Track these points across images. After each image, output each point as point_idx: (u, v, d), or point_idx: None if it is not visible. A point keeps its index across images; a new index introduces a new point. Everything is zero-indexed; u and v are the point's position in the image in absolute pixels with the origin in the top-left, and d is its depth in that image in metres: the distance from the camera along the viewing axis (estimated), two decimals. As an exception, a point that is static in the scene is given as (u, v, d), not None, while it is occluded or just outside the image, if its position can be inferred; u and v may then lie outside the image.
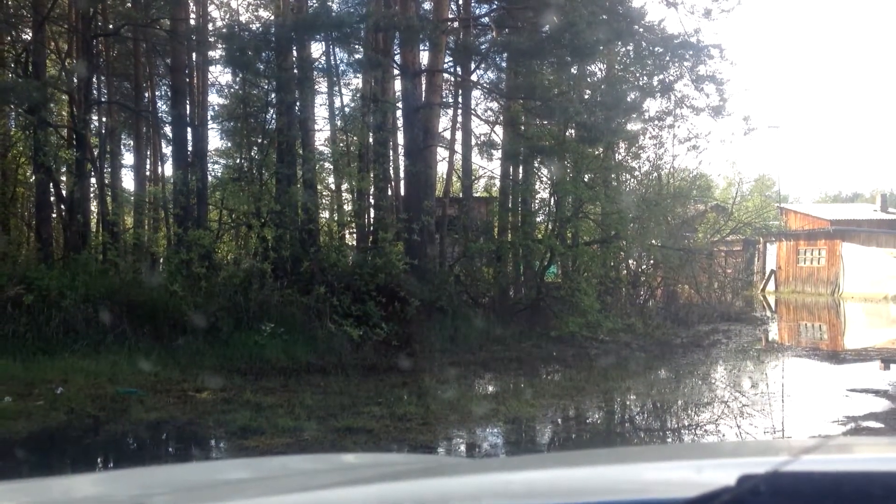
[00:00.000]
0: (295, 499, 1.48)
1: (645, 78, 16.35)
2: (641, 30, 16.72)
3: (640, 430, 8.67)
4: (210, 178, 16.72)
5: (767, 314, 24.50)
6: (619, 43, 15.91)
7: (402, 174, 16.87)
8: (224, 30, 16.06)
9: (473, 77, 17.47)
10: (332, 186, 20.42)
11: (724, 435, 7.75)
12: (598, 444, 7.63)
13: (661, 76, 16.30)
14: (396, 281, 13.70)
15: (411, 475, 1.71)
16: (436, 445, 7.19)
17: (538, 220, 18.38)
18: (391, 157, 17.94)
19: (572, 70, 14.22)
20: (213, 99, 21.15)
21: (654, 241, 18.27)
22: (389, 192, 17.31)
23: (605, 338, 14.55)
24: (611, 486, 1.26)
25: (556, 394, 9.49)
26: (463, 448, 7.44)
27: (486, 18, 15.74)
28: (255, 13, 21.17)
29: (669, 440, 7.93)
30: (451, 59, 17.04)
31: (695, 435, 7.99)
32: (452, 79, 17.40)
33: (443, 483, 1.50)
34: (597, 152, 16.58)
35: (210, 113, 20.07)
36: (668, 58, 15.92)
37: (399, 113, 16.17)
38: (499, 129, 19.26)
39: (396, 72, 15.65)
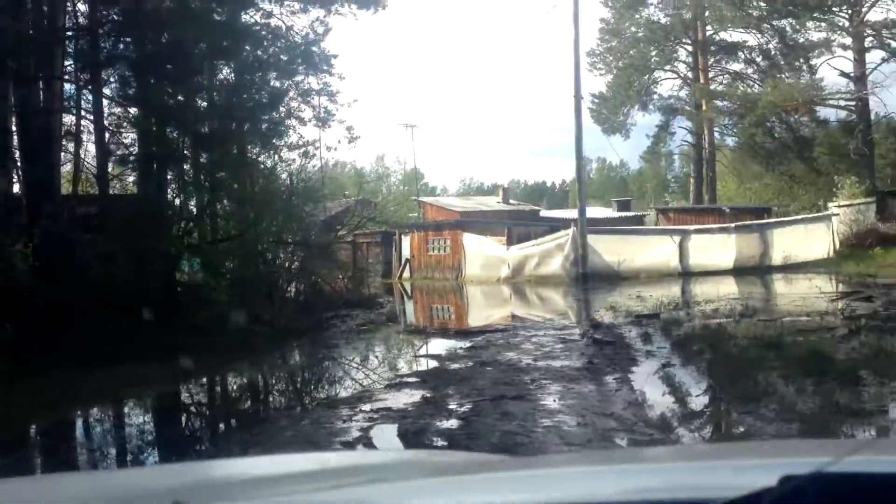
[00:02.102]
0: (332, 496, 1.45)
1: (257, 89, 17.79)
2: (270, 36, 18.13)
3: (233, 401, 10.18)
4: None
5: (391, 299, 27.15)
6: (246, 52, 17.17)
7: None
8: None
9: (99, 83, 17.81)
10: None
11: (300, 395, 9.46)
12: (192, 414, 8.98)
13: (270, 88, 17.83)
14: (20, 283, 13.93)
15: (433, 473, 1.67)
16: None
17: (179, 219, 19.13)
18: (18, 161, 17.75)
19: (190, 81, 15.23)
20: None
21: (284, 237, 19.81)
22: (16, 194, 17.18)
23: (234, 328, 15.78)
24: (648, 486, 1.25)
25: (166, 378, 10.71)
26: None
27: (103, 30, 16.23)
28: None
29: (258, 404, 9.49)
30: (74, 65, 17.28)
31: (272, 397, 9.63)
32: (75, 84, 17.62)
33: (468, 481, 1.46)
34: (227, 154, 17.72)
35: None
36: (274, 73, 17.51)
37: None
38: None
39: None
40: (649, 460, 1.68)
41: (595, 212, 50.23)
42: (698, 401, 7.72)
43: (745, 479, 1.07)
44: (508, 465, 1.89)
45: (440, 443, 6.24)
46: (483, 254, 34.12)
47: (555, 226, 35.17)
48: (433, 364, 10.80)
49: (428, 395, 8.31)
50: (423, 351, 12.49)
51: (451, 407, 7.61)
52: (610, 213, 50.79)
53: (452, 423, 6.92)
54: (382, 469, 1.88)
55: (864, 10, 42.14)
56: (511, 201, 52.13)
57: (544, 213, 49.99)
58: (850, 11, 42.58)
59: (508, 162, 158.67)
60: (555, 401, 7.73)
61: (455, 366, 10.33)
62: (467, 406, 7.54)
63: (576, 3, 28.12)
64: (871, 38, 42.81)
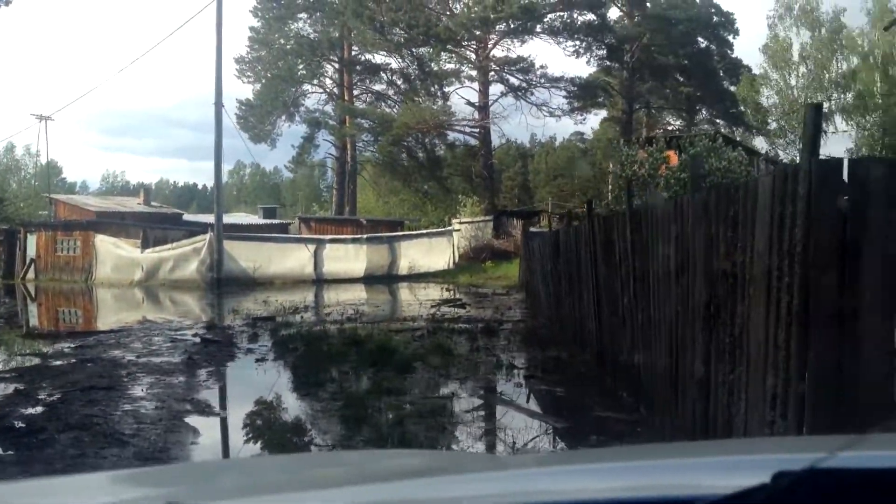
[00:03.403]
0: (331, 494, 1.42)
1: None
2: None
3: None
4: None
5: (8, 300, 25.82)
6: None
7: None
8: None
9: None
10: None
11: None
12: None
13: None
14: None
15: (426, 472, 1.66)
16: None
17: None
18: None
19: None
20: None
21: None
22: None
23: None
24: (640, 484, 1.24)
25: None
26: None
27: None
28: None
29: None
30: None
31: None
32: None
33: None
34: None
35: None
36: None
37: None
38: None
39: None
40: (642, 458, 1.61)
41: (240, 218, 50.69)
42: (272, 387, 8.80)
43: (738, 475, 1.08)
44: (504, 464, 1.87)
45: (20, 425, 6.75)
46: (116, 256, 33.34)
47: (194, 230, 35.26)
48: (35, 361, 10.97)
49: (21, 387, 8.64)
50: (28, 350, 12.51)
51: (40, 396, 8.06)
52: (256, 219, 51.49)
53: (38, 409, 7.43)
54: (379, 468, 1.87)
55: (489, 46, 46.93)
56: (153, 203, 50.96)
57: (188, 216, 49.44)
58: (476, 47, 47.20)
59: (161, 161, 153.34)
60: (143, 390, 8.46)
61: (57, 362, 10.61)
62: (57, 395, 8.04)
63: (219, 13, 28.58)
64: (493, 73, 47.79)
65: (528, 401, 8.00)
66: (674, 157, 17.36)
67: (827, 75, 47.73)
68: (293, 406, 7.79)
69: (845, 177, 3.69)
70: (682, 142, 15.73)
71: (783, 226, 3.97)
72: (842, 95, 47.60)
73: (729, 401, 4.78)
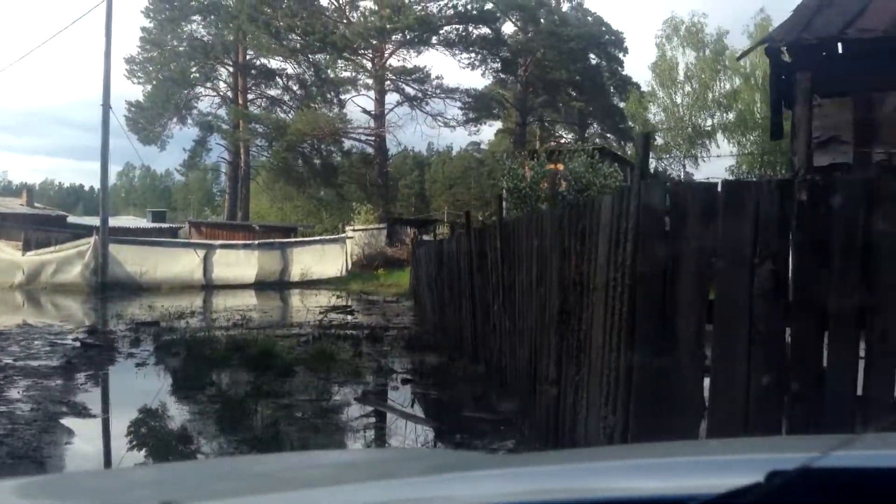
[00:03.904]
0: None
1: None
2: None
3: None
4: None
5: None
6: None
7: None
8: None
9: None
10: None
11: None
12: None
13: None
14: None
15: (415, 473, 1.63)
16: None
17: None
18: None
19: None
20: None
21: None
22: None
23: None
24: (634, 483, 1.23)
25: None
26: None
27: None
28: None
29: None
30: None
31: None
32: None
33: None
34: None
35: None
36: None
37: None
38: None
39: None
40: (636, 457, 1.60)
41: (128, 221, 49.62)
42: (150, 390, 8.86)
43: (732, 474, 1.08)
44: (500, 463, 1.86)
45: None
46: (-6, 260, 32.22)
47: (79, 233, 34.44)
48: None
49: None
50: None
51: None
52: (144, 223, 50.46)
53: None
54: (375, 467, 1.86)
55: (385, 56, 47.29)
56: (37, 204, 49.41)
57: (73, 219, 48.11)
58: (373, 56, 47.50)
59: (46, 160, 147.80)
60: (19, 392, 8.44)
61: (-71, 366, 10.39)
62: (-75, 400, 7.96)
63: (108, 13, 28.07)
64: (389, 82, 48.15)
65: (412, 405, 8.34)
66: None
67: (710, 94, 49.81)
68: (171, 408, 7.92)
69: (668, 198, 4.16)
70: (563, 157, 16.43)
71: (619, 241, 4.41)
72: (724, 114, 49.76)
73: (575, 400, 5.22)
